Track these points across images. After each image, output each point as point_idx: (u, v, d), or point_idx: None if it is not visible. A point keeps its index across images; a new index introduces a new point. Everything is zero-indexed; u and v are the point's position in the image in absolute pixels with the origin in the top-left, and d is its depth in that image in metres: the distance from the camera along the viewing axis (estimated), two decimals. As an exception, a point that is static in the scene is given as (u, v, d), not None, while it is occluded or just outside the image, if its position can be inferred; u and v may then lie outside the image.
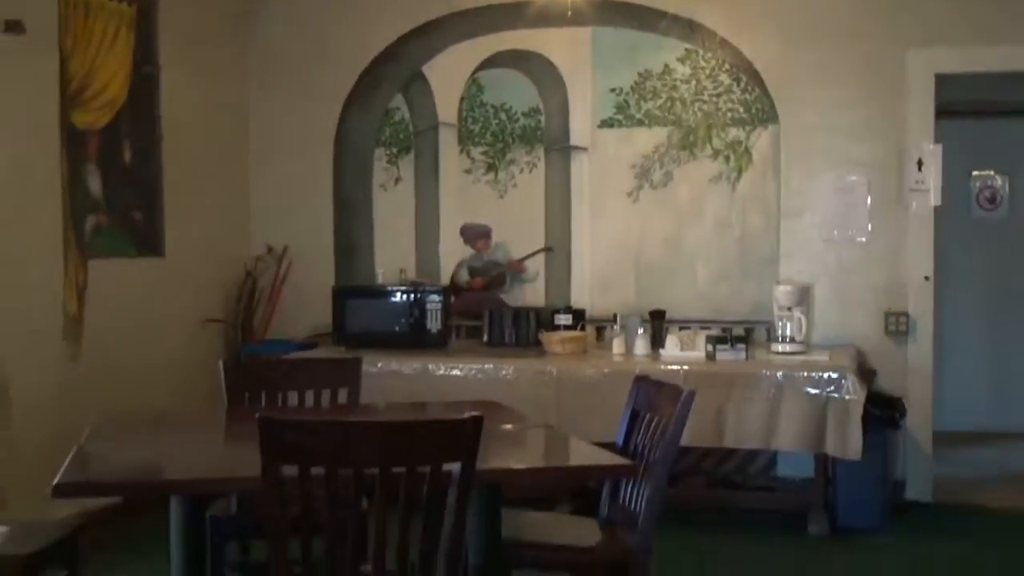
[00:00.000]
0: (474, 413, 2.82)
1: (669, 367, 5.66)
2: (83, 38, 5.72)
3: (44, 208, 5.49)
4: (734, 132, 6.47)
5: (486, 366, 5.93)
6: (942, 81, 6.20)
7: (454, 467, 2.80)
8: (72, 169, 5.67)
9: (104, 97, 5.92)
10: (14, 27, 5.06)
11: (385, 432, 2.81)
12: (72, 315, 5.65)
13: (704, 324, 6.23)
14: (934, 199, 6.19)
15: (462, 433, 2.78)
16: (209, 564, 3.59)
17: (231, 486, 3.31)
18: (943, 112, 6.28)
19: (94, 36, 5.80)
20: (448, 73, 6.85)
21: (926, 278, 6.24)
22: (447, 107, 6.87)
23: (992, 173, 8.35)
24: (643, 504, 3.47)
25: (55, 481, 2.90)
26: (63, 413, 5.07)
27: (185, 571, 3.15)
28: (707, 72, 6.49)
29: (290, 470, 2.74)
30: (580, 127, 6.69)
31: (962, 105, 7.43)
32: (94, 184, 5.84)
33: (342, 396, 4.33)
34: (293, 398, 4.30)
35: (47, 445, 3.38)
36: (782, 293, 6.10)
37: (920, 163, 6.18)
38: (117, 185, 5.99)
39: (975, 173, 8.29)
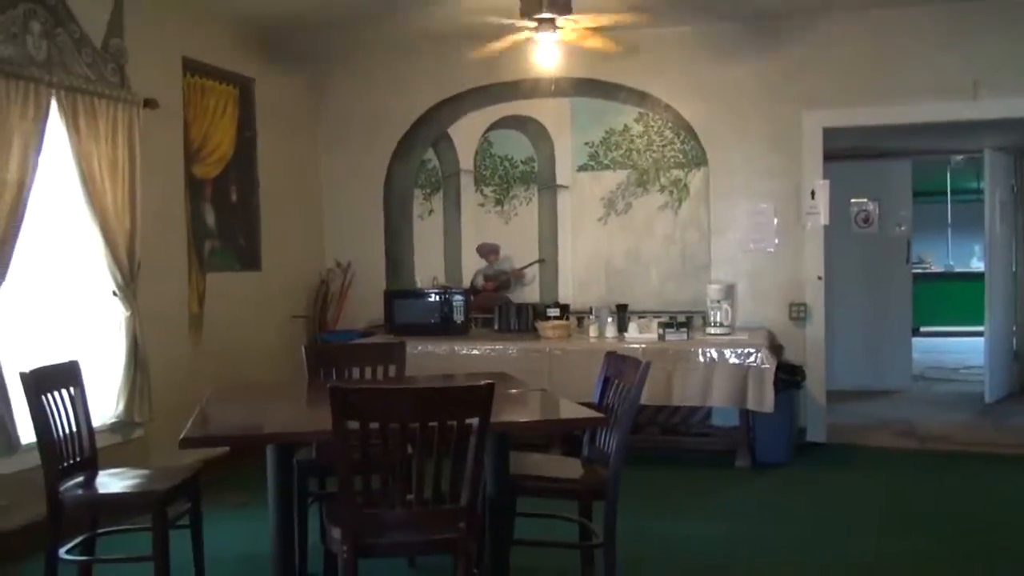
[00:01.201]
0: (488, 381, 2.81)
1: (631, 345, 5.64)
2: (200, 111, 5.72)
3: (175, 236, 5.49)
4: (676, 173, 6.43)
5: (497, 347, 5.92)
6: (828, 133, 6.15)
7: (474, 421, 2.79)
8: (193, 207, 5.67)
9: (217, 154, 5.91)
10: (151, 103, 5.06)
11: (422, 396, 2.81)
12: (195, 313, 5.64)
13: (656, 313, 6.19)
14: (823, 220, 6.14)
15: (479, 396, 2.77)
16: (296, 495, 3.58)
17: (310, 437, 3.31)
18: (829, 156, 6.23)
19: (208, 109, 5.80)
20: (467, 132, 6.82)
21: (819, 277, 6.19)
22: (466, 158, 6.84)
23: (866, 200, 8.31)
24: (613, 447, 3.45)
25: (182, 435, 2.90)
26: (188, 387, 5.06)
27: (278, 500, 3.14)
28: (656, 129, 6.45)
29: (353, 425, 2.73)
30: (563, 171, 6.64)
31: (843, 150, 7.40)
32: (209, 218, 5.83)
33: (392, 371, 4.31)
34: (356, 372, 4.29)
35: (177, 411, 3.37)
36: (713, 290, 6.06)
37: (813, 193, 6.14)
38: (226, 218, 5.98)
39: (853, 200, 8.24)
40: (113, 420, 4.86)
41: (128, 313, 4.86)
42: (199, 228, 5.71)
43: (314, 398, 3.80)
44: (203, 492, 3.76)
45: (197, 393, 3.90)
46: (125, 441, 4.89)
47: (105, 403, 4.83)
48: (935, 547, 4.24)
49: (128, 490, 3.55)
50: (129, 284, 4.85)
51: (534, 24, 4.68)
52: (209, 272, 5.77)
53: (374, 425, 2.74)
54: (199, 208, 5.73)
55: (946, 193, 12.47)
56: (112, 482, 3.62)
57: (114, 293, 4.82)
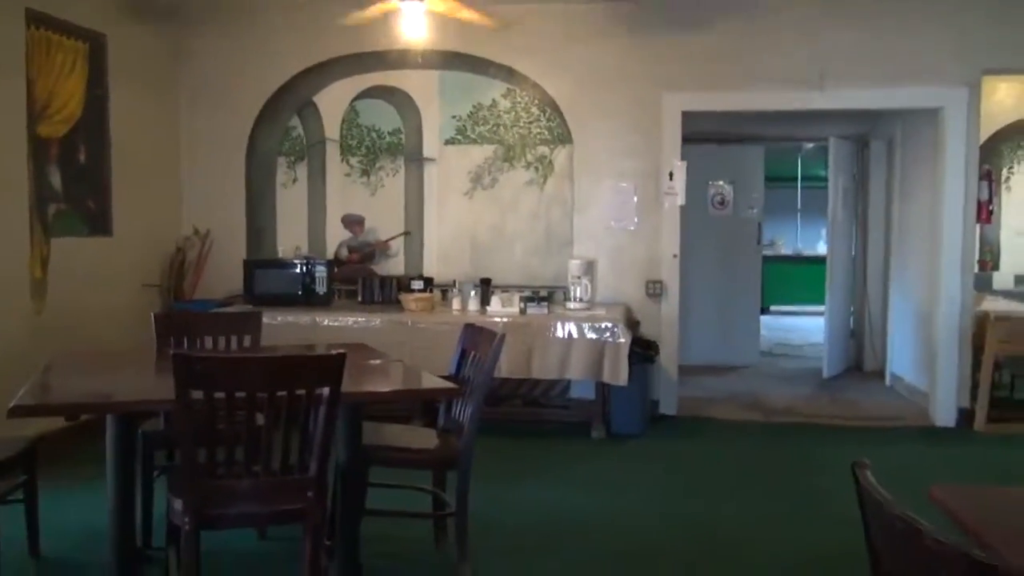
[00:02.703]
0: (340, 350, 2.76)
1: (493, 319, 5.67)
2: (45, 67, 5.36)
3: (14, 198, 5.14)
4: (542, 149, 6.48)
5: (360, 319, 5.84)
6: (687, 116, 6.32)
7: (324, 390, 2.74)
8: (37, 168, 5.32)
9: (64, 113, 5.57)
10: (-13, 55, 4.71)
11: (270, 364, 2.73)
12: (37, 279, 5.32)
13: (520, 288, 6.24)
14: (680, 200, 6.32)
15: (330, 365, 2.72)
16: (140, 468, 3.44)
17: (152, 406, 3.16)
18: (688, 139, 6.41)
19: (54, 65, 5.45)
20: (333, 101, 6.67)
21: (674, 256, 6.37)
22: (332, 127, 6.69)
23: (722, 183, 8.56)
24: (467, 417, 3.46)
25: (11, 404, 2.73)
26: (30, 356, 4.74)
27: (117, 472, 3.00)
28: (523, 105, 6.47)
29: (198, 395, 2.64)
30: (430, 144, 6.59)
31: (702, 134, 7.62)
32: (55, 180, 5.50)
33: (247, 342, 4.19)
34: (209, 343, 4.14)
35: (14, 382, 3.16)
36: (574, 266, 6.16)
37: (671, 174, 6.30)
38: (74, 180, 5.65)
39: (710, 183, 8.49)
40: (-57, 390, 4.54)
41: (-39, 277, 4.54)
42: (43, 190, 5.38)
43: (162, 367, 3.62)
44: (43, 466, 3.57)
45: (38, 363, 3.68)
46: (-44, 412, 4.58)
47: (-66, 372, 4.50)
48: (767, 507, 4.48)
49: (-46, 463, 3.33)
50: (-38, 246, 4.52)
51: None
52: (54, 237, 5.44)
53: (219, 395, 2.65)
54: (43, 169, 5.39)
55: (797, 179, 13.03)
56: (-63, 455, 3.39)
57: (-55, 255, 4.49)
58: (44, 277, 5.36)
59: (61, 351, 4.14)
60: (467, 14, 4.93)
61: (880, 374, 7.92)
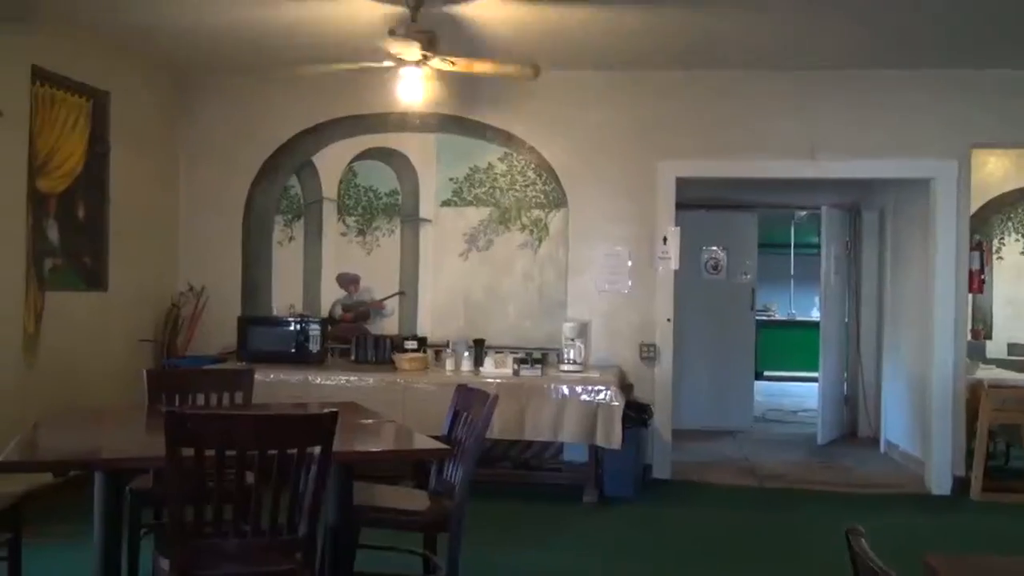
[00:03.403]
0: (332, 409, 2.75)
1: (487, 380, 5.65)
2: (48, 122, 5.44)
3: (11, 251, 5.17)
4: (537, 213, 6.54)
5: (352, 378, 5.82)
6: (681, 183, 6.38)
7: (315, 449, 2.72)
8: (35, 223, 5.36)
9: (64, 168, 5.63)
10: (-8, 111, 4.78)
11: (261, 422, 2.72)
12: (30, 333, 5.31)
13: (513, 349, 6.22)
14: (674, 264, 6.36)
15: (321, 424, 2.71)
16: (127, 526, 3.40)
17: (141, 463, 3.12)
18: (682, 205, 6.47)
19: (57, 121, 5.52)
20: (331, 161, 6.74)
21: (668, 320, 6.38)
22: (330, 186, 6.75)
23: (716, 248, 8.63)
24: (459, 478, 3.43)
25: (-1, 459, 2.70)
26: (20, 410, 4.74)
27: (104, 530, 2.96)
28: (519, 169, 6.55)
29: (188, 452, 2.62)
30: (427, 205, 6.65)
31: (696, 200, 7.70)
32: (52, 234, 5.53)
33: (238, 399, 4.17)
34: (200, 399, 4.12)
35: (4, 437, 3.14)
36: (568, 328, 6.16)
37: (665, 239, 6.35)
38: (71, 235, 5.69)
39: (704, 248, 8.55)
40: (-70, 444, 4.49)
41: (-46, 330, 4.53)
42: (40, 244, 5.40)
43: (152, 424, 3.59)
44: (28, 523, 3.52)
45: (29, 417, 3.66)
46: (-58, 467, 4.52)
47: (-78, 425, 4.46)
48: (760, 575, 4.41)
49: (-63, 519, 3.28)
50: (-43, 299, 4.52)
51: (394, 63, 4.68)
52: (49, 291, 5.45)
53: (211, 453, 2.63)
54: (41, 224, 5.42)
55: (790, 245, 13.14)
56: (-80, 510, 3.34)
57: (-61, 308, 4.49)
58: (37, 331, 5.35)
59: (56, 408, 4.11)
60: (484, 67, 4.92)
61: (874, 441, 7.89)
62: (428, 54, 4.64)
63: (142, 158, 6.38)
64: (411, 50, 4.53)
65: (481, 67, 4.99)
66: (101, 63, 5.91)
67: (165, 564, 2.70)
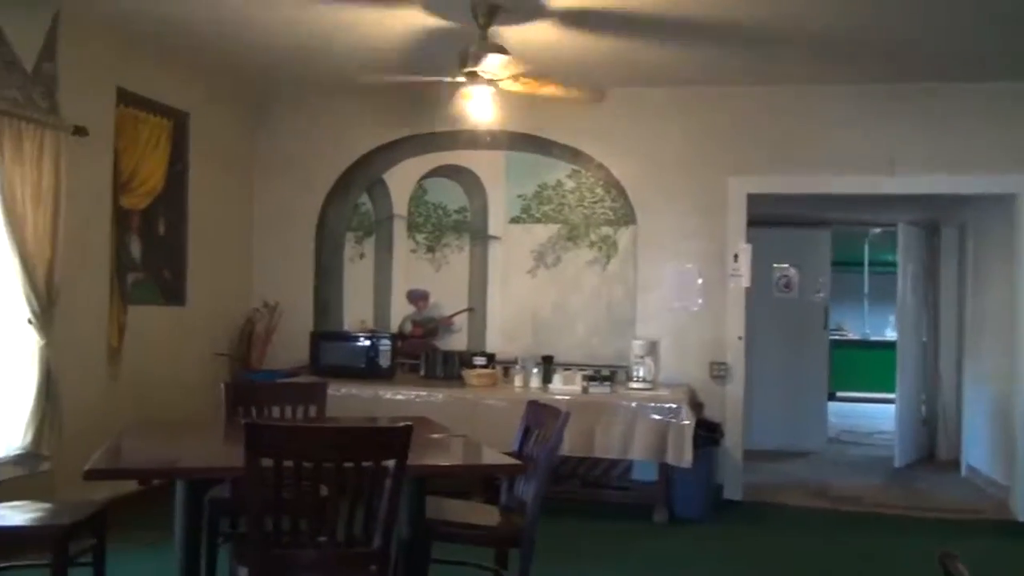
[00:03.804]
0: (407, 423, 2.78)
1: (555, 397, 5.64)
2: (132, 142, 5.64)
3: (97, 266, 5.36)
4: (605, 230, 6.53)
5: (422, 393, 5.87)
6: (752, 199, 6.32)
7: (390, 463, 2.76)
8: (119, 238, 5.55)
9: (147, 186, 5.82)
10: (81, 131, 4.97)
11: (338, 435, 2.76)
12: (114, 346, 5.49)
13: (581, 366, 6.20)
14: (745, 282, 6.28)
15: (397, 437, 2.74)
16: (206, 534, 3.48)
17: (221, 473, 3.21)
18: (753, 222, 6.40)
19: (140, 140, 5.72)
20: (402, 179, 6.84)
21: (739, 338, 6.31)
22: (400, 204, 6.85)
23: (787, 266, 8.52)
24: (530, 495, 3.44)
25: (86, 467, 2.80)
26: (104, 420, 4.90)
27: (186, 538, 3.04)
28: (587, 186, 6.56)
29: (267, 463, 2.68)
30: (496, 222, 6.69)
31: (766, 216, 7.60)
32: (135, 250, 5.72)
33: (312, 412, 4.24)
34: (276, 412, 4.20)
35: (89, 445, 3.26)
36: (637, 345, 6.13)
37: (736, 256, 6.29)
38: (152, 251, 5.87)
39: (775, 265, 8.45)
40: (19, 452, 4.67)
41: (43, 342, 4.70)
42: (123, 259, 5.59)
43: (231, 435, 3.69)
44: (111, 529, 3.63)
45: (112, 428, 3.78)
46: (31, 474, 4.70)
47: (12, 434, 4.64)
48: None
49: (27, 523, 3.40)
50: (46, 312, 4.70)
51: (465, 79, 4.74)
52: (131, 305, 5.63)
53: (288, 464, 2.69)
54: (125, 239, 5.61)
55: (863, 264, 12.88)
56: (11, 515, 3.47)
57: (29, 321, 4.67)
58: (120, 344, 5.53)
59: (136, 418, 4.25)
60: (550, 90, 4.98)
61: (955, 464, 7.66)
62: (499, 73, 4.69)
63: (219, 176, 6.57)
64: (489, 66, 4.58)
65: (547, 90, 5.02)
66: (181, 84, 6.11)
67: (243, 573, 2.76)
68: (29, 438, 4.69)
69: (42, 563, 3.36)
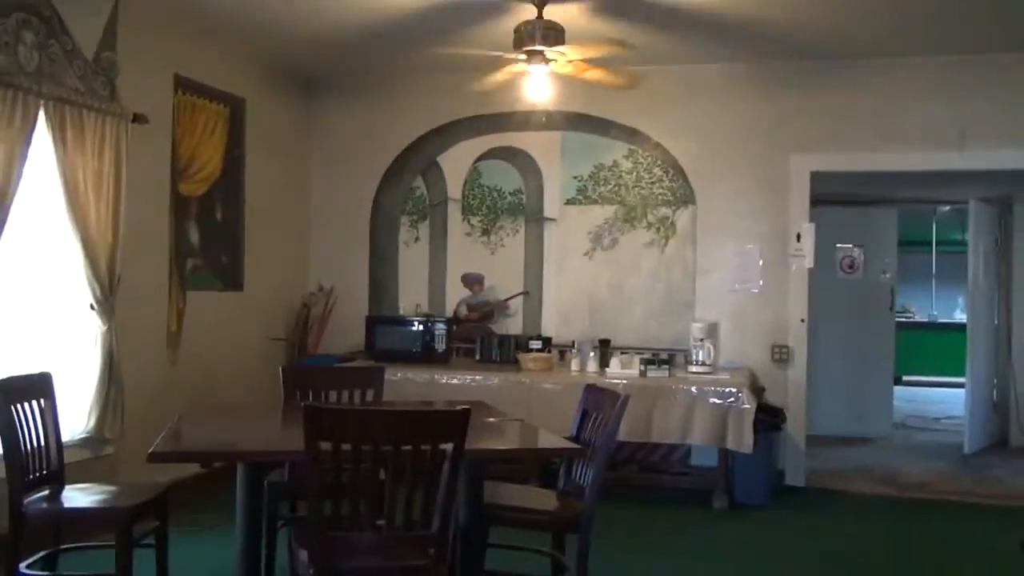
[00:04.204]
0: (464, 407, 2.79)
1: (612, 381, 5.59)
2: (190, 128, 5.72)
3: (157, 252, 5.47)
4: (663, 210, 6.46)
5: (477, 377, 5.88)
6: (815, 177, 6.19)
7: (448, 446, 2.77)
8: (177, 224, 5.65)
9: (204, 172, 5.91)
10: (140, 119, 5.05)
11: (397, 418, 2.77)
12: (173, 331, 5.60)
13: (639, 350, 6.17)
14: (808, 262, 6.17)
15: (455, 421, 2.75)
16: (265, 517, 3.53)
17: (282, 456, 3.26)
18: (816, 200, 6.28)
19: (198, 127, 5.80)
20: (456, 162, 6.84)
21: (802, 320, 6.20)
22: (454, 187, 6.86)
23: (851, 246, 8.35)
24: (589, 480, 3.43)
25: (150, 450, 2.86)
26: (163, 404, 5.00)
27: (246, 521, 3.09)
28: (645, 166, 6.49)
29: (325, 446, 2.70)
30: (551, 204, 6.67)
31: (830, 195, 7.46)
32: (193, 236, 5.81)
33: (369, 396, 4.29)
34: (333, 396, 4.26)
35: (150, 429, 3.34)
36: (696, 328, 6.06)
37: (798, 236, 6.18)
38: (210, 237, 5.96)
39: (839, 245, 8.28)
40: (83, 435, 4.79)
41: (105, 328, 4.81)
42: (182, 245, 5.69)
43: (289, 419, 3.76)
44: (173, 512, 3.72)
45: (171, 412, 3.86)
46: (95, 457, 4.82)
47: (76, 417, 4.76)
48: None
49: (93, 505, 3.50)
50: (108, 298, 4.81)
51: (525, 57, 4.71)
52: (190, 290, 5.73)
53: (347, 447, 2.71)
54: (183, 225, 5.71)
55: (931, 243, 12.57)
56: (78, 497, 3.57)
57: (92, 307, 4.78)
58: (179, 329, 5.64)
59: (195, 403, 4.33)
60: (595, 74, 4.98)
61: (1028, 451, 7.46)
62: (555, 52, 4.66)
63: (275, 161, 6.64)
64: (547, 44, 4.56)
65: (591, 74, 4.97)
66: (237, 71, 6.18)
67: (304, 555, 2.79)
68: (93, 422, 4.81)
69: (107, 544, 3.46)
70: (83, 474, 4.20)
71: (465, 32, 5.41)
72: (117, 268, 4.86)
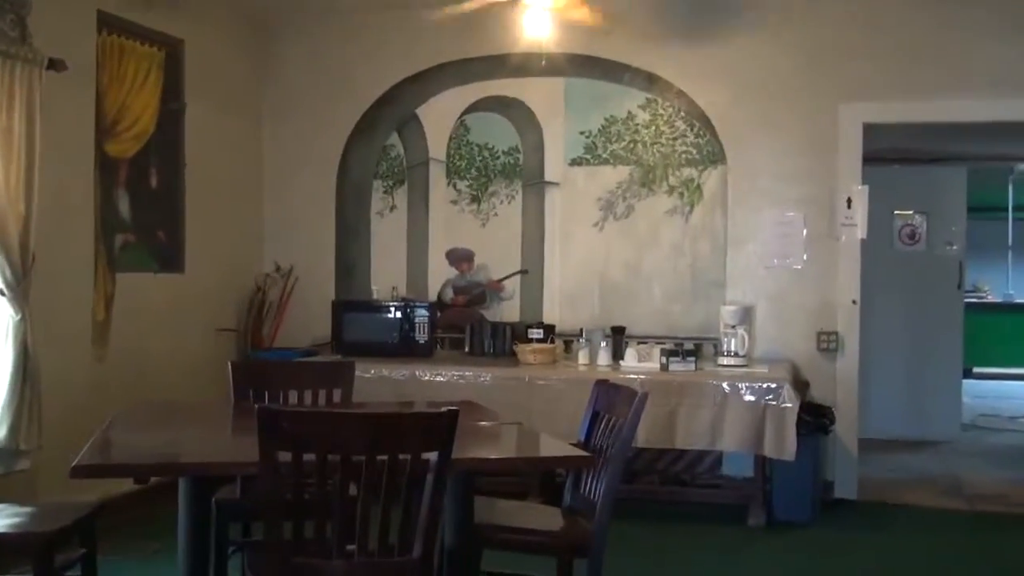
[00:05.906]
0: (450, 407, 2.77)
1: (628, 376, 5.60)
2: (117, 76, 5.68)
3: (78, 227, 5.44)
4: (688, 171, 6.45)
5: (467, 373, 5.88)
6: (869, 130, 6.19)
7: (432, 455, 2.75)
8: (104, 193, 5.62)
9: (135, 130, 5.88)
10: (57, 65, 5.00)
11: (370, 422, 2.75)
12: (100, 321, 5.58)
13: (659, 339, 6.18)
14: (861, 233, 6.18)
15: (439, 425, 2.74)
16: (213, 542, 3.52)
17: (232, 469, 3.23)
18: (870, 159, 6.27)
19: (127, 75, 5.76)
20: (439, 115, 6.83)
21: (853, 302, 6.21)
22: (437, 145, 6.84)
23: (912, 213, 8.37)
24: (600, 494, 3.42)
25: (73, 463, 2.83)
26: (89, 408, 4.98)
27: (190, 547, 3.08)
28: (665, 118, 6.47)
29: (285, 457, 2.68)
30: (553, 165, 6.66)
31: (887, 152, 7.45)
32: (123, 206, 5.79)
33: (336, 396, 4.27)
34: (293, 397, 4.24)
35: (73, 438, 3.32)
36: (727, 313, 6.07)
37: (849, 202, 6.18)
38: (144, 207, 5.94)
39: (897, 212, 8.30)
40: (-7, 447, 4.78)
41: (18, 317, 4.79)
42: (110, 218, 5.66)
43: (240, 425, 3.72)
44: (103, 536, 3.70)
45: (99, 417, 3.82)
46: (7, 473, 4.80)
47: (-15, 426, 4.75)
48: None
49: (5, 530, 3.47)
50: (20, 282, 4.78)
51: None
52: (120, 272, 5.71)
53: (310, 458, 2.69)
54: (111, 194, 5.68)
55: (1007, 209, 12.60)
56: (-13, 520, 3.54)
57: (1, 292, 4.75)
58: (108, 318, 5.62)
59: (124, 405, 4.30)
60: (579, 13, 4.93)
61: (1122, 456, 7.50)
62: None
63: (221, 116, 6.61)
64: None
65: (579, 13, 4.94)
66: (175, 6, 6.12)
67: (259, 587, 2.78)
68: (4, 431, 4.79)
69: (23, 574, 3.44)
70: (-6, 493, 4.18)
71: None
72: (31, 245, 4.83)
